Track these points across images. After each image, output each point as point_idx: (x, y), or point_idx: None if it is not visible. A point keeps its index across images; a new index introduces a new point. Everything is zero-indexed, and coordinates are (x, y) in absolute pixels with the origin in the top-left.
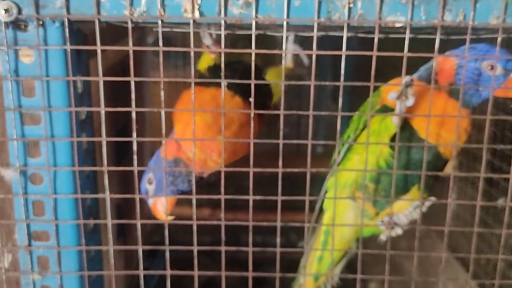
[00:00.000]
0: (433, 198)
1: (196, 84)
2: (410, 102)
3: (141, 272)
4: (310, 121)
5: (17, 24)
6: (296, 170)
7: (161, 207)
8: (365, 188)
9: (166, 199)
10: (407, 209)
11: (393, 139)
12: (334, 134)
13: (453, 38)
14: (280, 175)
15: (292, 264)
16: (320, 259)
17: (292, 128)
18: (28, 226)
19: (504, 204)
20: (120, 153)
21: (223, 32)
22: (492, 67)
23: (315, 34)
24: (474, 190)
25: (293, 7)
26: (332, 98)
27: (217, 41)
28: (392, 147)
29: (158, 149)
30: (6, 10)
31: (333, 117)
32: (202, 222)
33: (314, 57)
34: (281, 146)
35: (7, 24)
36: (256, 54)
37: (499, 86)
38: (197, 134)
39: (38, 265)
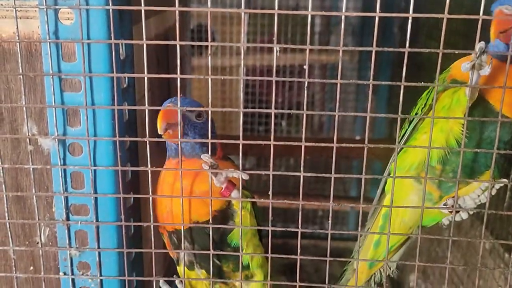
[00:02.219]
0: (505, 180)
1: None
2: (486, 71)
3: (182, 252)
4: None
5: None
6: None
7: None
8: (430, 169)
9: None
10: (474, 192)
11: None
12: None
13: None
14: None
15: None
16: (377, 244)
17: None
18: (66, 199)
19: None
20: None
21: None
22: None
23: None
24: None
25: None
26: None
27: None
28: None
29: None
30: None
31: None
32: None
33: (377, 19)
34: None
35: None
36: None
37: None
38: None
39: (76, 240)
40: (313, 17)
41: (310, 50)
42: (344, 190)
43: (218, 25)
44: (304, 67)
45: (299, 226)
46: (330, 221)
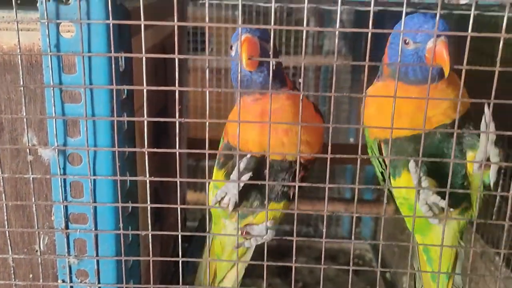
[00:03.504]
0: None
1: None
2: None
3: (180, 259)
4: None
5: None
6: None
7: None
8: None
9: None
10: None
11: None
12: None
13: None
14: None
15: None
16: (434, 276)
17: None
18: (65, 208)
19: None
20: (157, 136)
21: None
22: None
23: (371, 9)
24: None
25: None
26: None
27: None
28: None
29: None
30: None
31: None
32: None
33: (369, 35)
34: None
35: None
36: None
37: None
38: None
39: (74, 248)
40: (307, 22)
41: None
42: (339, 192)
43: (213, 28)
44: (299, 80)
45: (294, 235)
46: (324, 229)
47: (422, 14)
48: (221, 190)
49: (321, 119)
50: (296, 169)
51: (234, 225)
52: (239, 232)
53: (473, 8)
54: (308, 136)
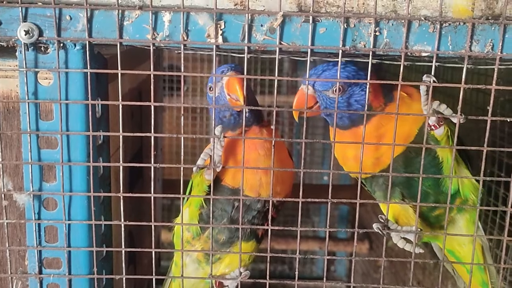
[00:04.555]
0: None
1: None
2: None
3: None
4: None
5: (37, 46)
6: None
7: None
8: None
9: None
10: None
11: None
12: None
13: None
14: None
15: None
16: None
17: None
18: (39, 252)
19: None
20: (133, 178)
21: (246, 58)
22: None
23: (339, 61)
24: None
25: (318, 34)
26: None
27: None
28: None
29: None
30: (27, 32)
31: None
32: (220, 252)
33: (337, 85)
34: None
35: (27, 46)
36: None
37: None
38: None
39: None
40: (280, 61)
41: (278, 91)
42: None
43: (190, 68)
44: (272, 127)
45: (267, 277)
46: (297, 272)
47: (329, 64)
48: (204, 153)
49: (293, 163)
50: (266, 210)
51: (195, 266)
52: (213, 282)
53: (434, 60)
54: (284, 175)
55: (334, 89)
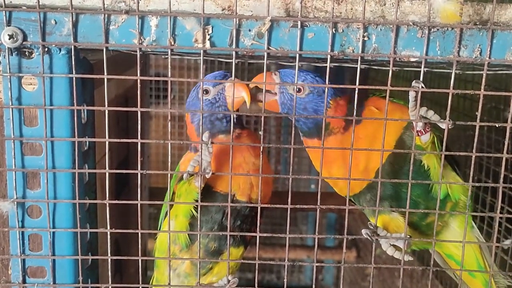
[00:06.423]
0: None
1: None
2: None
3: None
4: None
5: (21, 51)
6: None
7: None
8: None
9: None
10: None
11: None
12: None
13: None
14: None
15: None
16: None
17: None
18: (23, 261)
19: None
20: (118, 188)
21: (234, 63)
22: None
23: (328, 66)
24: None
25: (306, 39)
26: None
27: None
28: None
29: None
30: (11, 36)
31: None
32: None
33: (326, 90)
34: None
35: (11, 50)
36: None
37: None
38: None
39: None
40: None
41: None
42: (301, 238)
43: (176, 76)
44: (260, 132)
45: (256, 285)
46: (285, 279)
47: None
48: (193, 160)
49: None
50: (254, 215)
51: (179, 279)
52: None
53: (423, 66)
54: (267, 178)
55: (294, 88)
